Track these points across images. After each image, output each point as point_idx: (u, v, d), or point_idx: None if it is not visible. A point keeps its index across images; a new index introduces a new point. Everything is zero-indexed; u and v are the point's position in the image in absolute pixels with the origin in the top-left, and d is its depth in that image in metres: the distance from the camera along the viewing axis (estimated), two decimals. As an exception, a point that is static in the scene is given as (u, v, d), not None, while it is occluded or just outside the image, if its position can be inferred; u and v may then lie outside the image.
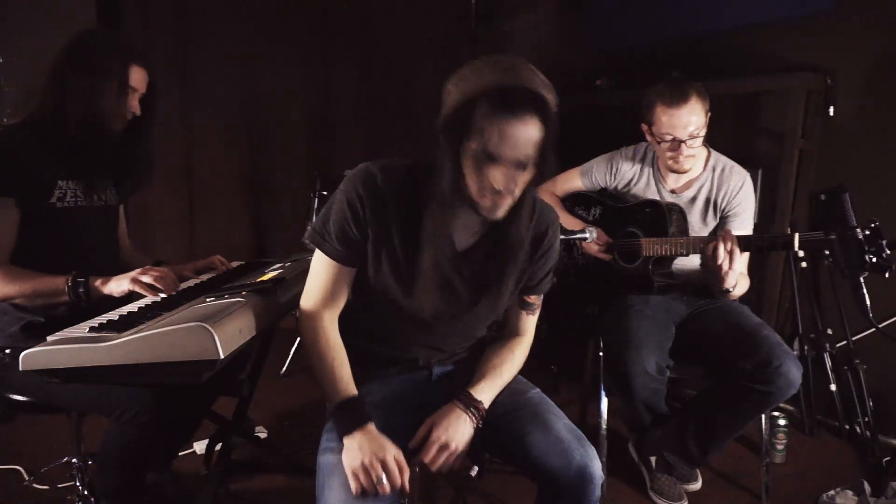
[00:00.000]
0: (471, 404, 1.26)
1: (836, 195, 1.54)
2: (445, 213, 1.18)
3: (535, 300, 1.40)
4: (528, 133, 1.09)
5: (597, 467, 1.21)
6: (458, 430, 1.23)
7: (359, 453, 1.14)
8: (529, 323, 1.42)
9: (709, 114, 1.93)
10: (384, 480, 1.12)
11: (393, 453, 1.16)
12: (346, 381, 1.24)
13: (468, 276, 1.27)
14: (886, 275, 1.47)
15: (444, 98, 1.15)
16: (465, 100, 1.09)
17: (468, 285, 1.28)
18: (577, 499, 1.20)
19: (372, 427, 1.19)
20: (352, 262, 1.26)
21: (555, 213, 1.37)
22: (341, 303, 1.30)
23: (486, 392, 1.30)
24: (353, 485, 1.12)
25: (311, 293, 1.28)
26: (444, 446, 1.21)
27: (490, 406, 1.31)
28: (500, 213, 1.18)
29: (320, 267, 1.27)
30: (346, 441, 1.17)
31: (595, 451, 1.23)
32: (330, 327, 1.28)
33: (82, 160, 1.59)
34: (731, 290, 1.76)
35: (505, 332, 1.44)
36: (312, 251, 1.30)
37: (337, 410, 1.22)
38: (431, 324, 1.30)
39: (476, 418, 1.26)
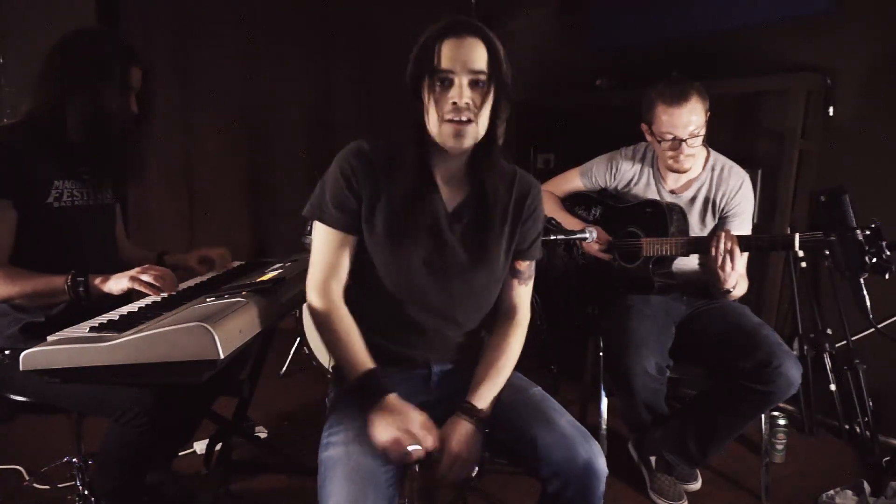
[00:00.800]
0: (475, 414, 1.28)
1: (836, 196, 1.54)
2: (432, 168, 1.29)
3: (527, 268, 1.42)
4: (472, 49, 1.19)
5: (602, 463, 1.22)
6: (467, 443, 1.25)
7: (386, 429, 1.17)
8: (523, 295, 1.43)
9: (708, 114, 1.93)
10: (413, 448, 1.16)
11: (418, 421, 1.20)
12: (362, 354, 1.27)
13: (459, 232, 1.32)
14: (887, 276, 1.47)
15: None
16: (415, 52, 1.23)
17: (460, 241, 1.32)
18: (582, 494, 1.20)
19: (393, 398, 1.22)
20: (351, 228, 1.30)
21: (536, 180, 1.42)
22: (344, 275, 1.33)
23: (486, 397, 1.30)
24: (392, 457, 1.17)
25: (316, 269, 1.31)
26: (457, 461, 1.23)
27: (492, 404, 1.31)
28: (466, 142, 1.22)
29: (322, 239, 1.31)
30: (372, 417, 1.20)
31: (599, 447, 1.24)
32: (338, 301, 1.31)
33: (79, 159, 1.59)
34: (731, 290, 1.76)
35: (500, 312, 1.44)
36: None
37: (356, 385, 1.25)
38: (429, 286, 1.31)
39: (481, 426, 1.28)
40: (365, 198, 1.28)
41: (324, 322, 1.30)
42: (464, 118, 1.20)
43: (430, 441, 1.19)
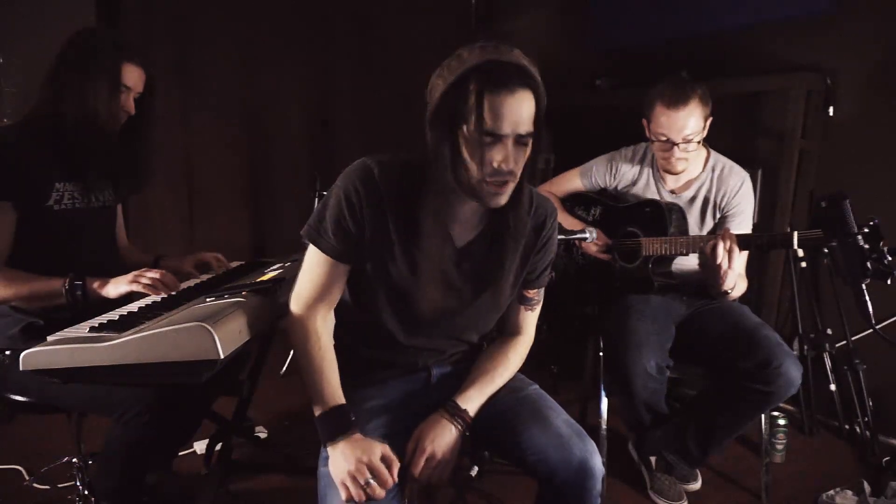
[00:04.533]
0: (456, 414, 1.26)
1: (836, 202, 1.53)
2: (444, 205, 1.18)
3: (535, 295, 1.39)
4: (523, 106, 1.09)
5: (597, 462, 1.20)
6: (444, 442, 1.23)
7: (344, 462, 1.13)
8: (529, 320, 1.41)
9: (709, 119, 1.93)
10: (372, 482, 1.11)
11: (378, 453, 1.14)
12: (334, 387, 1.22)
13: (468, 272, 1.27)
14: (888, 281, 1.47)
15: (429, 93, 1.15)
16: (453, 85, 1.08)
17: (468, 280, 1.27)
18: (578, 494, 1.19)
19: (356, 434, 1.18)
20: (347, 258, 1.23)
21: (552, 203, 1.36)
22: (334, 302, 1.28)
23: (473, 400, 1.29)
24: (342, 494, 1.12)
25: (304, 291, 1.26)
26: (432, 458, 1.21)
27: (488, 404, 1.31)
28: (504, 198, 1.16)
29: (314, 264, 1.24)
30: (330, 450, 1.16)
31: (595, 446, 1.22)
32: (322, 328, 1.26)
33: (79, 161, 1.57)
34: (729, 291, 1.76)
35: (504, 330, 1.42)
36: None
37: (323, 417, 1.20)
38: (431, 322, 1.28)
39: (462, 428, 1.26)
40: (368, 228, 1.20)
41: (301, 345, 1.25)
42: (505, 180, 1.12)
43: (389, 479, 1.12)
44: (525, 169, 1.16)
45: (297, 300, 1.27)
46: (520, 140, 1.11)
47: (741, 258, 1.83)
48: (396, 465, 1.15)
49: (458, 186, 1.15)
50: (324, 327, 1.27)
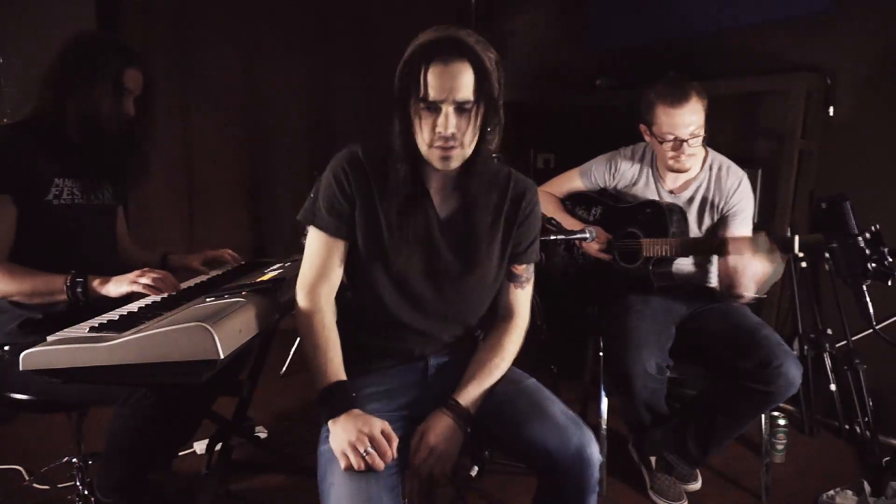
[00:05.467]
0: (458, 411, 1.28)
1: (837, 203, 1.54)
2: (416, 172, 1.28)
3: (524, 271, 1.41)
4: (459, 76, 1.17)
5: (594, 449, 1.22)
6: (446, 439, 1.25)
7: (344, 434, 1.16)
8: (520, 299, 1.42)
9: (706, 113, 1.93)
10: (372, 451, 1.14)
11: (378, 427, 1.18)
12: (336, 364, 1.27)
13: (453, 244, 1.33)
14: (889, 283, 1.47)
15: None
16: (404, 63, 1.21)
17: (453, 252, 1.33)
18: (576, 482, 1.21)
19: (356, 410, 1.21)
20: (343, 233, 1.31)
21: (532, 182, 1.41)
22: (336, 280, 1.33)
23: (472, 396, 1.31)
24: (342, 463, 1.15)
25: (306, 274, 1.32)
26: (434, 454, 1.24)
27: (486, 397, 1.32)
28: (453, 164, 1.23)
29: (314, 244, 1.32)
30: (332, 426, 1.20)
31: (592, 435, 1.24)
32: (326, 308, 1.31)
33: (79, 160, 1.59)
34: (744, 295, 1.75)
35: (498, 313, 1.44)
36: None
37: (324, 393, 1.24)
38: (424, 294, 1.32)
39: (464, 423, 1.28)
40: (358, 203, 1.30)
41: (306, 326, 1.30)
42: (449, 145, 1.20)
43: (389, 450, 1.16)
44: (481, 140, 1.24)
45: (302, 284, 1.33)
46: (460, 108, 1.18)
47: (753, 265, 1.79)
48: (395, 441, 1.19)
49: (411, 154, 1.24)
50: (327, 306, 1.32)
